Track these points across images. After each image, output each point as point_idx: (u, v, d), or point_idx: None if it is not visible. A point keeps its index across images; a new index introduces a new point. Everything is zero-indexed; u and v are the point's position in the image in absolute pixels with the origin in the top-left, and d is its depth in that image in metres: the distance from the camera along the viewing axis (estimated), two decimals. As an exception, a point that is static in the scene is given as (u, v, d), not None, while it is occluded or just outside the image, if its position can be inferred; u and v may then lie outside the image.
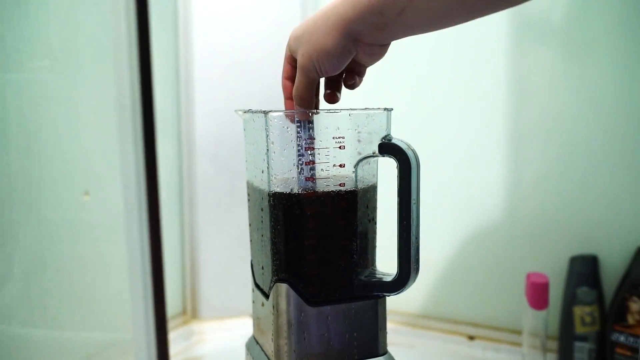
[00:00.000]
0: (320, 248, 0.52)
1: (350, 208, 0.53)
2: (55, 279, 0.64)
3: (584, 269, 0.85)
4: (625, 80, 0.81)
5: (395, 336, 0.96)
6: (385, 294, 0.54)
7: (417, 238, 0.53)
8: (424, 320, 0.97)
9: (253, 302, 0.58)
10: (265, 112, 0.51)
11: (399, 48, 0.93)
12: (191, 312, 1.03)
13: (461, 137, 0.92)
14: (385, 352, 0.56)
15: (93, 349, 0.70)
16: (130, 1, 0.46)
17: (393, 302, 0.98)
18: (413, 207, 0.52)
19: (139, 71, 0.39)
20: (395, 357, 0.85)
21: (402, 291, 0.53)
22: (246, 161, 0.57)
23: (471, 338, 0.94)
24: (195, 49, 0.94)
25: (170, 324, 0.96)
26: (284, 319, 0.52)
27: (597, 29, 0.82)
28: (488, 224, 0.92)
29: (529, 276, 0.82)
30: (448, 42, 0.91)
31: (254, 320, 0.59)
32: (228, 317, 1.02)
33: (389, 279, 0.54)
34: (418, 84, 0.94)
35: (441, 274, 0.96)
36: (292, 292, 0.52)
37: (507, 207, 0.90)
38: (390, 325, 0.96)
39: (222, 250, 1.00)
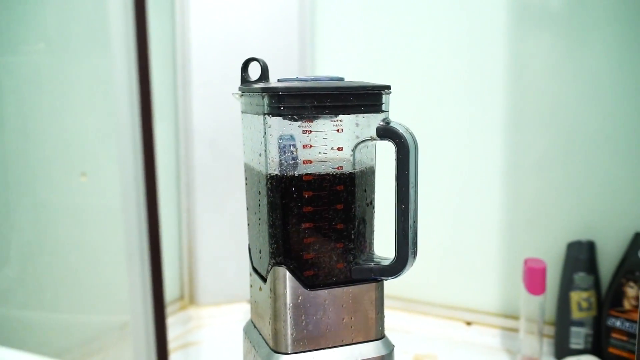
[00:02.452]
0: (318, 231, 0.52)
1: (347, 191, 0.52)
2: (52, 262, 0.64)
3: (581, 255, 0.85)
4: (625, 64, 0.81)
5: (393, 321, 0.96)
6: (382, 278, 0.54)
7: (415, 222, 0.53)
8: (422, 305, 0.97)
9: (251, 286, 0.58)
10: (263, 91, 0.51)
11: (397, 33, 0.92)
12: (189, 298, 1.03)
13: (459, 122, 0.92)
14: (382, 336, 0.56)
15: (92, 332, 0.70)
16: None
17: (390, 287, 0.98)
18: (411, 191, 0.52)
19: (136, 54, 0.39)
20: (392, 341, 0.86)
21: (399, 275, 0.53)
22: (244, 144, 0.56)
23: (468, 324, 0.94)
24: (192, 33, 0.93)
25: (168, 310, 0.96)
26: (281, 303, 0.52)
27: (597, 13, 0.81)
28: (486, 209, 0.92)
29: (526, 261, 0.82)
30: (447, 27, 0.91)
31: (251, 304, 0.59)
32: (226, 302, 1.02)
33: (386, 263, 0.54)
34: (417, 69, 0.93)
35: (439, 260, 0.96)
36: (289, 276, 0.52)
37: (505, 193, 0.90)
38: (387, 311, 0.96)
39: (219, 236, 1.00)
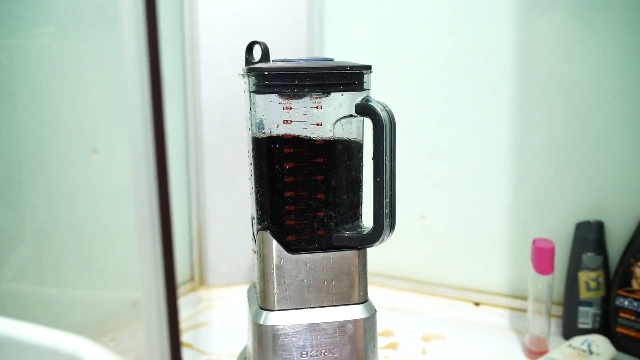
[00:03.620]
0: (299, 200, 0.64)
1: (327, 163, 0.64)
2: (66, 239, 0.77)
3: (590, 235, 0.94)
4: (635, 44, 0.89)
5: (401, 302, 1.08)
6: (360, 246, 0.66)
7: (392, 195, 0.64)
8: (430, 286, 1.08)
9: (252, 251, 0.71)
10: (248, 71, 0.63)
11: (405, 13, 1.03)
12: (199, 279, 1.17)
13: (467, 102, 1.01)
14: (365, 301, 0.68)
15: (105, 308, 0.83)
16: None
17: (398, 268, 1.10)
18: (386, 164, 0.63)
19: (145, 33, 0.46)
20: (401, 322, 0.99)
21: (376, 245, 0.65)
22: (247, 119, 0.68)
23: (477, 304, 1.05)
24: (201, 14, 1.06)
25: (179, 291, 1.10)
26: (266, 264, 0.65)
27: (607, -13, 0.90)
28: (494, 190, 1.01)
29: (534, 241, 0.92)
30: (456, 6, 1.01)
31: (253, 267, 0.72)
32: (236, 284, 1.16)
33: (364, 232, 0.66)
34: (424, 49, 1.04)
35: (447, 241, 1.07)
36: (273, 240, 0.64)
37: (513, 173, 1.00)
38: (395, 292, 1.08)
39: (229, 217, 1.13)
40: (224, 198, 1.13)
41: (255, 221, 0.67)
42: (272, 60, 0.69)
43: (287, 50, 1.09)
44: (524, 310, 0.98)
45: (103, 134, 0.56)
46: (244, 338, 0.95)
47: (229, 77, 1.07)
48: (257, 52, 0.72)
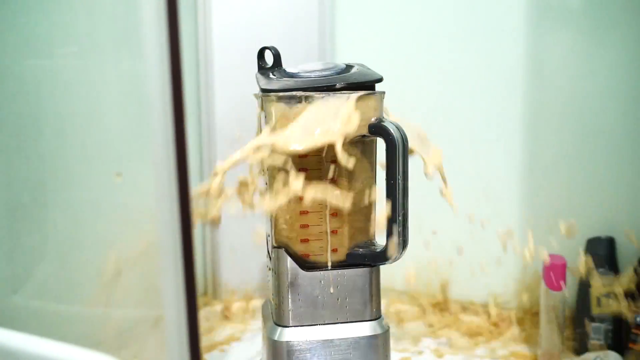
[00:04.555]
0: (313, 219, 0.66)
1: (340, 183, 0.66)
2: (89, 258, 0.78)
3: (601, 251, 0.95)
4: (643, 60, 0.90)
5: (411, 316, 1.09)
6: (374, 263, 0.68)
7: (405, 214, 0.65)
8: (439, 301, 1.09)
9: (267, 267, 0.72)
10: (261, 92, 0.65)
11: (416, 26, 1.05)
12: (212, 294, 1.19)
13: (476, 118, 1.03)
14: (378, 317, 0.70)
15: (129, 326, 0.83)
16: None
17: (408, 282, 1.11)
18: (399, 183, 0.64)
19: (168, 56, 0.47)
20: (412, 336, 1.00)
21: (389, 262, 0.66)
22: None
23: (489, 317, 1.05)
24: (215, 34, 1.09)
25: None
26: (281, 281, 0.66)
27: (617, 9, 0.91)
28: (504, 205, 1.03)
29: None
30: (467, 22, 1.02)
31: (268, 283, 0.74)
32: (248, 298, 1.17)
33: (377, 250, 0.67)
34: (435, 63, 1.05)
35: (456, 257, 1.08)
36: (287, 257, 0.66)
37: (523, 189, 1.01)
38: (406, 306, 1.09)
39: (242, 235, 1.15)
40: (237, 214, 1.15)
41: (269, 239, 0.69)
42: (285, 69, 0.71)
43: (298, 54, 1.10)
44: (536, 325, 0.99)
45: (126, 157, 0.58)
46: (259, 354, 0.96)
47: (242, 95, 1.09)
48: (268, 57, 0.74)
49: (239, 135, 1.11)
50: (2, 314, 0.49)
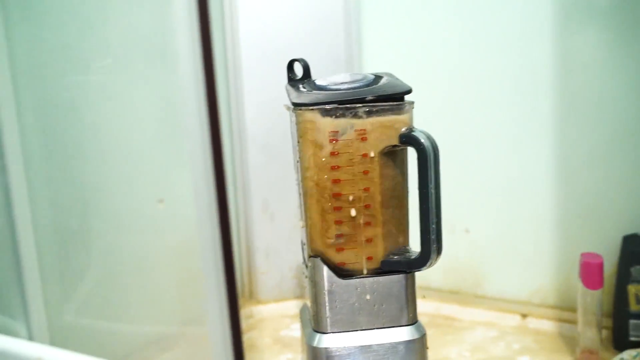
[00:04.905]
0: (349, 228, 0.67)
1: (373, 194, 0.67)
2: (132, 280, 0.80)
3: (637, 248, 0.94)
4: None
5: (446, 313, 1.10)
6: (409, 270, 0.69)
7: (438, 221, 0.66)
8: (475, 299, 1.10)
9: (304, 275, 0.74)
10: (292, 107, 0.67)
11: (443, 29, 1.05)
12: (249, 294, 1.21)
13: (507, 116, 1.03)
14: (414, 322, 0.71)
15: (170, 345, 0.85)
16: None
17: (445, 282, 1.12)
18: (431, 192, 0.65)
19: (203, 73, 0.49)
20: (447, 330, 1.02)
21: (424, 269, 0.68)
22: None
23: (524, 316, 1.06)
24: (242, 41, 1.11)
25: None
26: (318, 289, 0.68)
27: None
28: (538, 203, 1.03)
29: (582, 256, 0.93)
30: (495, 23, 1.02)
31: (304, 280, 0.76)
32: (285, 299, 1.20)
33: (412, 257, 0.69)
34: (464, 65, 1.06)
35: (491, 254, 1.09)
36: (324, 266, 0.68)
37: (557, 187, 1.01)
38: (441, 304, 1.10)
39: (275, 237, 1.18)
40: (269, 217, 1.17)
41: (305, 247, 0.71)
42: (314, 81, 0.73)
43: (325, 60, 1.12)
44: (573, 322, 0.99)
45: (168, 183, 0.60)
46: (298, 357, 0.99)
47: (271, 101, 1.12)
48: (298, 69, 0.76)
49: (268, 142, 1.14)
50: (55, 333, 0.52)
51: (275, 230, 1.17)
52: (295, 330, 1.09)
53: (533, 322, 1.05)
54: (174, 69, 0.52)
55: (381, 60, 1.13)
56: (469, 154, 1.08)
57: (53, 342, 0.52)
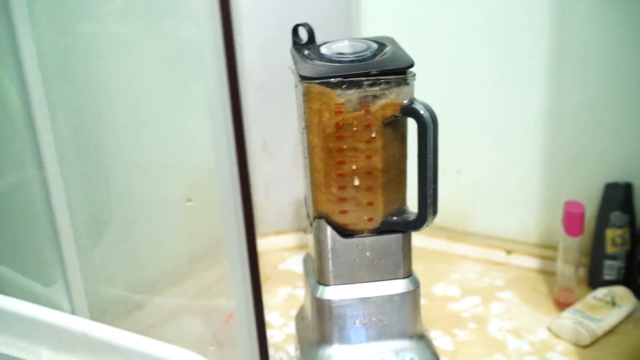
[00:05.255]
0: (351, 192, 0.72)
1: (375, 162, 0.72)
2: (160, 268, 0.81)
3: (618, 195, 1.01)
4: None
5: (436, 248, 1.18)
6: (406, 230, 0.75)
7: (435, 187, 0.71)
8: (464, 235, 1.18)
9: (308, 231, 0.80)
10: (301, 78, 0.70)
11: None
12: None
13: (505, 63, 1.06)
14: (409, 275, 0.78)
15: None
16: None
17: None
18: (429, 160, 0.70)
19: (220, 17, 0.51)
20: (437, 265, 1.10)
21: (420, 229, 0.74)
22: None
23: (509, 252, 1.14)
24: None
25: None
26: (323, 246, 0.74)
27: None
28: (526, 150, 1.08)
29: (566, 204, 0.99)
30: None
31: (308, 236, 0.82)
32: (284, 232, 1.27)
33: (411, 218, 0.74)
34: (462, 13, 1.07)
35: (480, 194, 1.15)
36: (327, 227, 0.73)
37: (545, 135, 1.05)
38: (432, 239, 1.18)
39: (274, 174, 1.23)
40: (269, 155, 1.22)
41: (310, 208, 0.76)
42: (319, 48, 0.75)
43: (328, 30, 1.11)
44: (553, 259, 1.07)
45: (196, 183, 0.63)
46: (301, 293, 1.07)
47: (270, 41, 1.13)
48: (302, 34, 0.78)
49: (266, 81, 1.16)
50: (93, 305, 0.57)
51: (275, 168, 1.22)
52: (293, 265, 1.17)
53: (516, 259, 1.13)
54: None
55: (380, 21, 1.13)
56: (465, 99, 1.11)
57: (92, 315, 0.57)
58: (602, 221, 1.02)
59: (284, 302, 1.05)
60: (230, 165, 0.52)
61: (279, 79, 1.15)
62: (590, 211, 1.04)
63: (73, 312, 0.54)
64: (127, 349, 0.50)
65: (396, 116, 0.71)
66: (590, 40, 0.99)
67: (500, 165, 1.13)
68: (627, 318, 0.96)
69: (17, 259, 0.60)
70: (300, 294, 1.07)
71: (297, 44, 0.77)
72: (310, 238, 0.79)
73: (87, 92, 0.60)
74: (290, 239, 1.26)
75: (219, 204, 0.53)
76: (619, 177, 1.02)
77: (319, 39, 0.78)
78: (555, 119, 1.04)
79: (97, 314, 0.55)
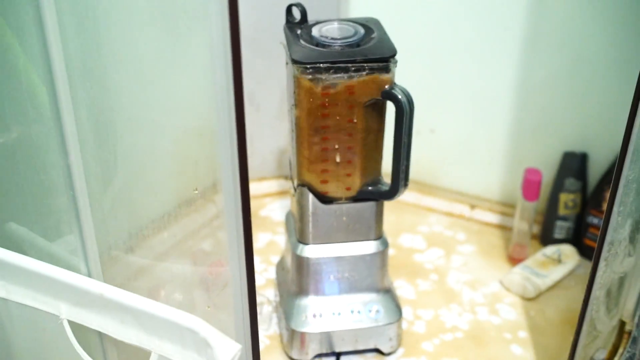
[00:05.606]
0: (332, 164, 0.81)
1: (356, 139, 0.80)
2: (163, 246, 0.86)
3: (574, 164, 1.11)
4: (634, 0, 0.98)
5: (408, 200, 1.28)
6: (379, 199, 0.84)
7: (407, 163, 0.80)
8: (433, 189, 1.27)
9: (291, 195, 0.88)
10: (292, 62, 0.76)
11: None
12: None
13: (481, 34, 1.12)
14: (379, 237, 0.88)
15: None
16: None
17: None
18: (404, 140, 0.78)
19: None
20: (407, 216, 1.20)
21: (393, 199, 0.83)
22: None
23: (472, 207, 1.25)
24: None
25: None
26: (303, 211, 0.83)
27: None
28: (495, 116, 1.16)
29: (526, 172, 1.09)
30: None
31: (291, 198, 0.90)
32: (266, 178, 1.35)
33: (385, 188, 0.83)
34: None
35: (451, 153, 1.24)
36: (309, 194, 0.82)
37: (513, 104, 1.13)
38: (405, 192, 1.28)
39: (259, 125, 1.29)
40: (255, 107, 1.28)
41: (294, 176, 0.85)
42: (311, 29, 0.81)
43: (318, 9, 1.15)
44: (512, 216, 1.18)
45: (202, 177, 0.69)
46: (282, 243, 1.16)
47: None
48: (296, 13, 0.84)
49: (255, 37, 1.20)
50: (105, 268, 0.65)
51: (260, 119, 1.28)
52: (273, 211, 1.26)
53: (479, 214, 1.24)
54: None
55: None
56: (443, 66, 1.18)
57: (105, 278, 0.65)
58: (558, 186, 1.13)
59: (265, 247, 1.15)
60: (229, 120, 0.57)
61: (267, 36, 1.20)
62: (548, 176, 1.14)
63: (86, 261, 0.62)
64: (137, 309, 0.59)
65: (377, 99, 0.78)
66: (562, 18, 1.05)
67: (471, 128, 1.21)
68: (570, 274, 1.08)
69: (36, 220, 0.68)
70: (279, 240, 1.16)
71: (290, 22, 0.82)
72: (293, 201, 0.88)
73: (96, 49, 0.63)
74: (272, 185, 1.34)
75: (211, 155, 0.59)
76: (576, 147, 1.11)
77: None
78: (524, 90, 1.12)
79: (105, 260, 0.63)
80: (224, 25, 0.52)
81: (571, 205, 1.13)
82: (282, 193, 1.33)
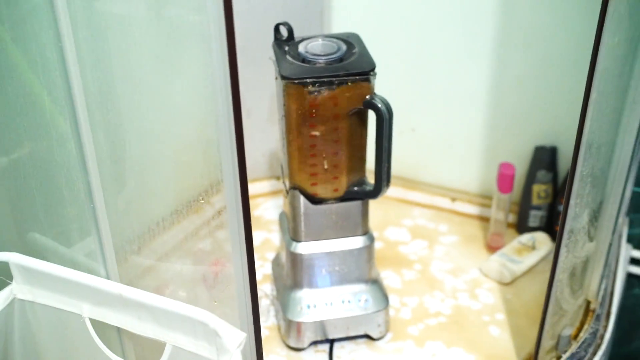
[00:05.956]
0: (322, 169, 0.89)
1: (342, 145, 0.88)
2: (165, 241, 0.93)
3: (545, 157, 1.20)
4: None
5: (394, 193, 1.36)
6: (364, 198, 0.92)
7: (388, 165, 0.88)
8: (415, 184, 1.36)
9: (284, 195, 0.96)
10: (281, 77, 0.84)
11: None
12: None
13: (454, 37, 1.20)
14: (366, 233, 0.96)
15: None
16: None
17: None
18: (385, 145, 0.86)
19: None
20: (392, 211, 1.28)
21: (376, 198, 0.91)
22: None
23: (453, 200, 1.33)
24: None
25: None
26: (296, 211, 0.91)
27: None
28: (471, 113, 1.24)
29: (500, 166, 1.17)
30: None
31: (283, 199, 0.98)
32: (257, 179, 1.43)
33: (369, 188, 0.92)
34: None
35: (431, 149, 1.32)
36: (301, 196, 0.90)
37: (487, 102, 1.22)
38: (390, 187, 1.36)
39: (251, 129, 1.37)
40: (246, 112, 1.35)
41: (286, 179, 0.93)
42: (297, 45, 0.89)
43: (303, 26, 1.21)
44: (489, 207, 1.26)
45: (202, 180, 0.76)
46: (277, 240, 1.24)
47: (250, 8, 1.24)
48: (283, 31, 0.91)
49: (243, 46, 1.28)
50: (122, 272, 0.73)
51: (251, 123, 1.36)
52: (267, 210, 1.34)
53: (459, 206, 1.33)
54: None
55: (348, 15, 1.24)
56: (421, 69, 1.26)
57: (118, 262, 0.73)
58: (530, 178, 1.22)
59: (261, 245, 1.23)
60: (229, 127, 0.62)
61: (256, 44, 1.27)
62: (521, 169, 1.22)
63: (104, 263, 0.69)
64: (152, 306, 0.67)
65: (359, 108, 0.86)
66: (529, 22, 1.13)
67: (449, 126, 1.29)
68: (544, 260, 1.17)
69: (57, 229, 0.75)
70: (274, 238, 1.24)
71: (278, 39, 0.90)
72: (286, 202, 0.96)
73: (110, 78, 0.69)
74: (265, 186, 1.42)
75: (210, 161, 0.65)
76: (547, 142, 1.20)
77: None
78: (496, 90, 1.21)
79: (121, 262, 0.71)
80: (222, 45, 0.58)
81: (543, 195, 1.22)
82: (274, 193, 1.41)
